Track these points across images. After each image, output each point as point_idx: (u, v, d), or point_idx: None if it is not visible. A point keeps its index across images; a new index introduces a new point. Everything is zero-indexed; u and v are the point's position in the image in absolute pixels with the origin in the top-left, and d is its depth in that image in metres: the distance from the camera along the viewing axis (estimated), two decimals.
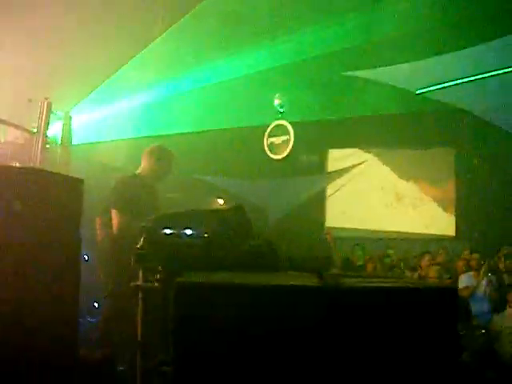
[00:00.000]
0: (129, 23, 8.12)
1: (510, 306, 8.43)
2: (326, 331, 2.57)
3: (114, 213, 6.08)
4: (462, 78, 9.87)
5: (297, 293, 2.63)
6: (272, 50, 9.25)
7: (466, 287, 9.00)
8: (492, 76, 9.51)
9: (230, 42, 8.73)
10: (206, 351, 2.59)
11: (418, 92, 10.71)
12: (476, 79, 9.72)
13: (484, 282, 9.17)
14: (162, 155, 6.38)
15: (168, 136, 9.44)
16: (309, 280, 2.85)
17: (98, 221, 7.68)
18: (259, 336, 2.58)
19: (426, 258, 10.05)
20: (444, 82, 10.28)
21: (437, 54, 9.58)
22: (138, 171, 6.41)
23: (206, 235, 4.49)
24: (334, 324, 2.57)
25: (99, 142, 9.97)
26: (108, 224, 7.31)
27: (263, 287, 2.67)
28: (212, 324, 2.64)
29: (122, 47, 8.32)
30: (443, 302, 2.65)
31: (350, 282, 2.97)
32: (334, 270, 6.49)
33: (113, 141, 10.00)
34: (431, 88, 10.51)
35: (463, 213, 12.59)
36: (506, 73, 9.42)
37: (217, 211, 6.62)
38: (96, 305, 8.45)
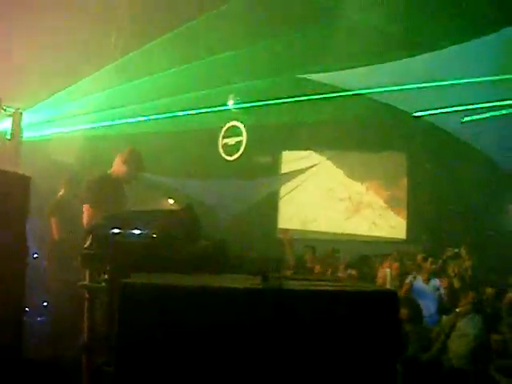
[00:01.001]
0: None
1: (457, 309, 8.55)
2: (266, 332, 2.60)
3: (86, 207, 6.20)
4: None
5: (237, 294, 2.66)
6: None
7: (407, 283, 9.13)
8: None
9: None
10: (149, 352, 2.60)
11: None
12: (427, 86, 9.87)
13: (434, 284, 9.33)
14: (131, 158, 6.56)
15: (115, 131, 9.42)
16: (252, 282, 2.88)
17: (52, 219, 7.64)
18: (200, 338, 2.60)
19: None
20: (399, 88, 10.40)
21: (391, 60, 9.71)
22: (109, 171, 6.57)
23: (153, 235, 4.49)
24: (273, 325, 2.60)
25: (49, 137, 9.83)
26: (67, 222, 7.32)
27: (204, 289, 2.69)
28: (156, 325, 2.65)
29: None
30: (384, 305, 2.70)
31: (294, 284, 3.01)
32: (287, 272, 6.52)
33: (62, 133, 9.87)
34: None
35: (413, 215, 12.79)
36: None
37: (165, 211, 6.63)
38: (45, 304, 8.35)
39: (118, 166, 6.55)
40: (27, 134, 8.43)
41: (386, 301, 2.73)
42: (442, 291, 9.20)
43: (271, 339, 2.59)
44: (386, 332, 2.66)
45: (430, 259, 9.82)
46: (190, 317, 2.62)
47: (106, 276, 4.16)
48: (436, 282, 9.49)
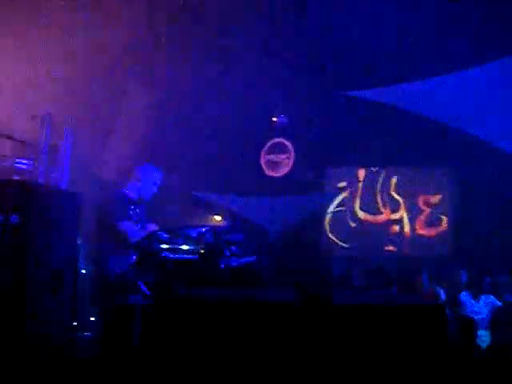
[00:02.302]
0: None
1: None
2: (310, 346, 2.60)
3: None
4: None
5: (277, 308, 2.67)
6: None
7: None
8: None
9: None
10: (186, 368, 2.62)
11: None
12: None
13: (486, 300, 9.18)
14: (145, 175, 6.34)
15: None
16: (296, 296, 2.88)
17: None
18: (240, 352, 2.61)
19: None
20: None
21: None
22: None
23: (202, 251, 4.53)
24: (318, 340, 2.60)
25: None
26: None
27: (245, 303, 2.70)
28: (192, 341, 2.66)
29: None
30: (432, 318, 2.68)
31: (339, 298, 3.00)
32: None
33: None
34: None
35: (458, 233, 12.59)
36: None
37: (212, 228, 6.66)
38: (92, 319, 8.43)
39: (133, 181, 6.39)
40: None
41: (434, 314, 2.71)
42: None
43: (315, 354, 2.59)
44: (435, 345, 2.63)
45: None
46: (230, 330, 2.64)
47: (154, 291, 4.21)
48: (489, 298, 9.30)
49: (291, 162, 11.62)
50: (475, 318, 8.79)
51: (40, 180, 5.82)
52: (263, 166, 11.53)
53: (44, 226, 4.24)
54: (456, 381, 2.77)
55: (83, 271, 8.21)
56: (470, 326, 8.07)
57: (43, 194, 4.47)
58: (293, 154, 11.57)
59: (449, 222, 12.77)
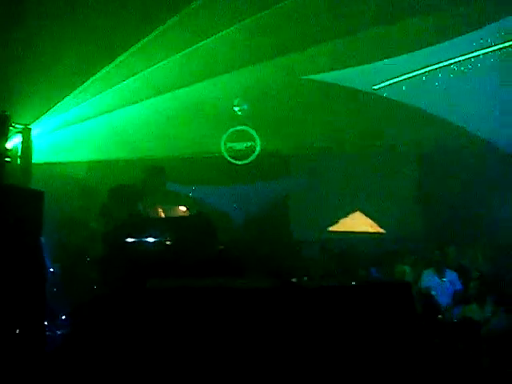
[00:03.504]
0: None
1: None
2: (284, 329, 2.63)
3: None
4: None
5: (254, 294, 2.69)
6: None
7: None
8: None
9: None
10: (172, 355, 2.63)
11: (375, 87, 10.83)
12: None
13: (450, 278, 9.32)
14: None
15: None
16: (268, 282, 2.90)
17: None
18: (220, 338, 2.63)
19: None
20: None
21: None
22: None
23: (167, 242, 4.53)
24: (291, 322, 2.62)
25: (59, 163, 9.93)
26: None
27: (223, 290, 2.72)
28: (179, 328, 2.67)
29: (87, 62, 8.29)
30: (398, 296, 2.72)
31: (309, 282, 3.03)
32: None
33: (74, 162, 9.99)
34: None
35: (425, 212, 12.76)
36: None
37: (179, 218, 6.67)
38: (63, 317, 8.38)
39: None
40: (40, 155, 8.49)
41: (401, 292, 2.75)
42: (458, 286, 9.20)
43: (289, 336, 2.61)
44: (403, 322, 2.67)
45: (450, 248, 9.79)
46: (214, 318, 2.65)
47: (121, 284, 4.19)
48: (452, 275, 9.46)
49: (256, 149, 11.62)
50: (438, 294, 9.04)
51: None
52: (226, 154, 11.52)
53: (6, 226, 4.17)
54: (423, 355, 2.83)
55: (51, 270, 8.16)
56: (431, 303, 8.27)
57: (5, 193, 4.41)
58: (257, 141, 11.56)
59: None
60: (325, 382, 2.62)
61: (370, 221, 13.06)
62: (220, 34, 8.34)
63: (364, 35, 8.89)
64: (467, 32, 9.12)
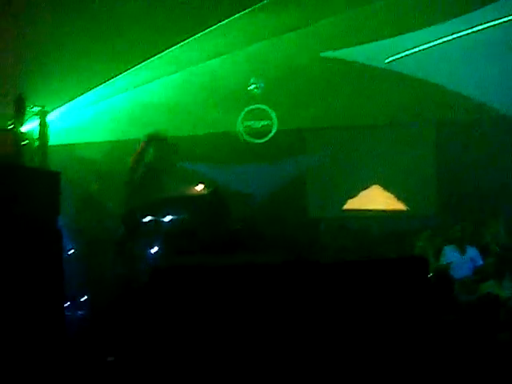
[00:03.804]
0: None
1: None
2: (299, 304, 2.62)
3: None
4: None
5: (269, 270, 2.68)
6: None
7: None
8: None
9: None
10: (182, 334, 2.64)
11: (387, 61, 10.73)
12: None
13: (470, 255, 9.26)
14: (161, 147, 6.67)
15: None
16: (283, 258, 2.90)
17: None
18: (234, 315, 2.63)
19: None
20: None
21: None
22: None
23: (185, 220, 4.54)
24: (306, 297, 2.62)
25: (77, 144, 9.96)
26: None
27: (237, 267, 2.71)
28: (190, 306, 2.68)
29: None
30: (414, 270, 2.70)
31: (324, 258, 3.02)
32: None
33: (93, 143, 10.00)
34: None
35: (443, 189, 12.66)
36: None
37: (194, 197, 6.67)
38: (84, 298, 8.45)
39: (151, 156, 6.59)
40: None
41: (416, 266, 2.73)
42: (479, 263, 9.13)
43: (304, 311, 2.61)
44: (418, 297, 2.66)
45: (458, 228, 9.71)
46: (223, 295, 2.65)
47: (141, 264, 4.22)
48: (473, 252, 9.38)
49: (273, 128, 11.60)
50: (459, 271, 8.99)
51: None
52: (243, 133, 11.50)
53: (24, 207, 4.20)
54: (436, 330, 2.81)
55: (71, 251, 8.23)
56: (448, 279, 8.23)
57: (22, 176, 4.43)
58: (274, 119, 11.54)
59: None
60: (336, 357, 2.62)
61: (388, 194, 12.99)
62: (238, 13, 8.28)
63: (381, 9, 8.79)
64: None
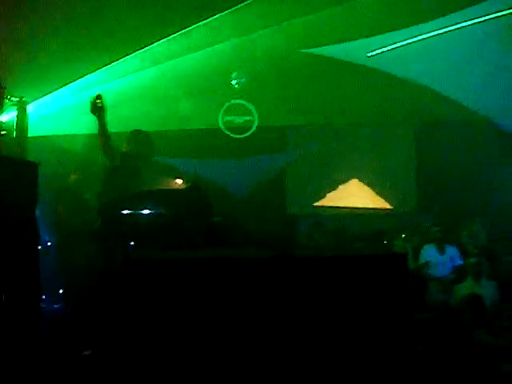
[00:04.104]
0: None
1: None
2: (276, 299, 2.61)
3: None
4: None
5: (246, 263, 2.67)
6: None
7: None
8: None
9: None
10: (156, 327, 2.61)
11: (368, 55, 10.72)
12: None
13: (449, 254, 9.32)
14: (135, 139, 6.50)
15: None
16: (261, 253, 2.88)
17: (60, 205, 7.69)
18: (208, 309, 2.61)
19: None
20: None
21: None
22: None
23: (162, 214, 4.51)
24: (284, 292, 2.61)
25: (56, 136, 9.86)
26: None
27: (209, 260, 2.69)
28: (162, 298, 2.65)
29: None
30: (393, 267, 2.70)
31: (303, 253, 3.01)
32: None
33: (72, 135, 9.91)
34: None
35: (424, 186, 12.74)
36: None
37: (174, 191, 6.63)
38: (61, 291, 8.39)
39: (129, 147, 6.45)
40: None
41: (396, 263, 2.73)
42: (458, 262, 9.21)
43: (282, 305, 2.60)
44: (397, 293, 2.66)
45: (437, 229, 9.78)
46: (197, 288, 2.63)
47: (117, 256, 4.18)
48: (452, 250, 9.45)
49: (253, 124, 11.59)
50: (438, 270, 9.08)
51: None
52: (223, 128, 11.48)
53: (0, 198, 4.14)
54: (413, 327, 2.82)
55: (49, 243, 8.15)
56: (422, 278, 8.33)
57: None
58: (255, 115, 11.53)
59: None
60: (317, 351, 2.62)
61: (366, 188, 13.04)
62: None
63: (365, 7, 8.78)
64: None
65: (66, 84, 8.98)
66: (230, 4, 7.90)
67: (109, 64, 8.87)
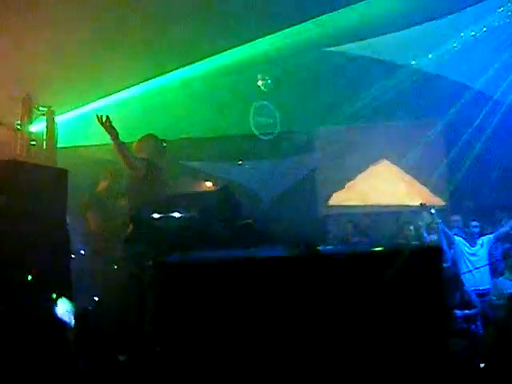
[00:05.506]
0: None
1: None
2: (306, 296, 2.59)
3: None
4: None
5: (274, 262, 2.64)
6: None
7: None
8: None
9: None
10: (189, 327, 2.60)
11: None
12: None
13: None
14: (145, 144, 6.58)
15: None
16: (292, 252, 2.86)
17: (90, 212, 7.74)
18: (240, 308, 2.59)
19: None
20: None
21: None
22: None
23: (194, 217, 4.51)
24: (313, 289, 2.58)
25: (85, 146, 9.96)
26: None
27: (241, 261, 2.68)
28: (195, 301, 2.64)
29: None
30: (426, 261, 2.66)
31: (333, 250, 2.98)
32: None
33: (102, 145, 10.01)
34: None
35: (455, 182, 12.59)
36: None
37: (204, 193, 6.65)
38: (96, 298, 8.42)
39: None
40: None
41: (430, 255, 2.68)
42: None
43: (315, 303, 2.57)
44: (432, 286, 2.61)
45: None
46: (229, 289, 2.61)
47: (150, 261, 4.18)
48: (483, 245, 9.31)
49: (277, 125, 11.56)
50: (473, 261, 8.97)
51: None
52: (254, 129, 11.43)
53: (32, 204, 4.18)
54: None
55: (82, 252, 8.20)
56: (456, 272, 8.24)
57: (29, 172, 4.41)
58: (277, 117, 11.50)
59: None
60: (352, 346, 2.59)
61: (398, 185, 12.95)
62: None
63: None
64: None
65: (96, 100, 9.06)
66: None
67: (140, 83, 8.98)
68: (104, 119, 6.07)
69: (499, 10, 9.26)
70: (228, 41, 8.81)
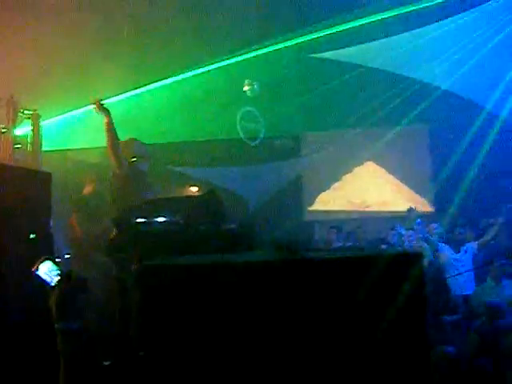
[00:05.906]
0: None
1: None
2: (289, 302, 2.59)
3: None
4: None
5: (257, 267, 2.65)
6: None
7: None
8: None
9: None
10: (174, 333, 2.61)
11: None
12: None
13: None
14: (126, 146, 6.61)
15: None
16: (275, 256, 2.86)
17: (75, 215, 7.72)
18: (223, 314, 2.60)
19: None
20: None
21: None
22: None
23: (179, 221, 4.50)
24: (296, 294, 2.59)
25: (70, 150, 9.93)
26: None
27: (220, 265, 2.68)
28: (178, 305, 2.64)
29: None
30: (408, 267, 2.67)
31: (315, 255, 2.99)
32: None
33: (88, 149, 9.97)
34: None
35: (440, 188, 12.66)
36: None
37: (189, 197, 6.64)
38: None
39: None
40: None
41: (411, 262, 2.70)
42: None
43: (295, 308, 2.58)
44: (413, 293, 2.63)
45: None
46: (211, 293, 2.62)
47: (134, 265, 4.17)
48: (468, 251, 9.35)
49: (261, 131, 11.60)
50: (457, 266, 9.01)
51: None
52: (241, 133, 11.47)
53: (15, 208, 4.17)
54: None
55: (66, 256, 8.17)
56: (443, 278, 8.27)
57: (13, 175, 4.40)
58: (262, 122, 11.55)
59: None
60: (334, 353, 2.60)
61: (383, 190, 13.01)
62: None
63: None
64: None
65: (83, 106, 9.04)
66: None
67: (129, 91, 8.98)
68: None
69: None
70: (216, 50, 8.88)
